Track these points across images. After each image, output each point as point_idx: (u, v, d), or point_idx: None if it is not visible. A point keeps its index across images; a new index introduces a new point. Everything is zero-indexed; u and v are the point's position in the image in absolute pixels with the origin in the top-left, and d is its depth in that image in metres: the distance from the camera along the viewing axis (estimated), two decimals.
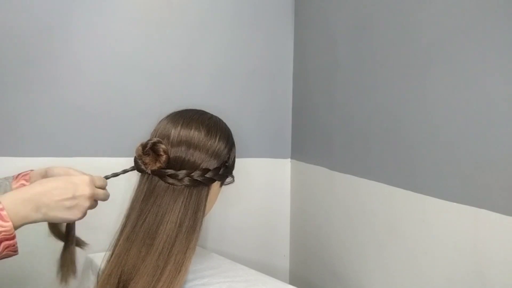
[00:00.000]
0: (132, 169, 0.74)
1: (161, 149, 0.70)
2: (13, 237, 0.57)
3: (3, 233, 0.56)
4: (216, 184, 0.76)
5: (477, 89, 0.67)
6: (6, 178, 0.76)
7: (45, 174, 0.74)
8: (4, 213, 0.56)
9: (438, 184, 0.75)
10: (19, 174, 0.76)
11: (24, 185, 0.74)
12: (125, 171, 0.74)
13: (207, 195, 0.74)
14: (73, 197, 0.64)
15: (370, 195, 0.94)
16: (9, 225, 0.56)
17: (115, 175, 0.74)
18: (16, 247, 0.58)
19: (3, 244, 0.56)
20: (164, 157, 0.70)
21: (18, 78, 1.02)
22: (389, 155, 0.87)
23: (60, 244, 0.71)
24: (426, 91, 0.77)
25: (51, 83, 1.05)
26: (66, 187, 0.64)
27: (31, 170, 0.77)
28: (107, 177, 0.72)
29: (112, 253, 0.71)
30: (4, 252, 0.57)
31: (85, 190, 0.66)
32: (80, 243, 0.74)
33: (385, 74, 0.89)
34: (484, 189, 0.66)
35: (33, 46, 1.03)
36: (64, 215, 0.63)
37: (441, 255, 0.74)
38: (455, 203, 0.71)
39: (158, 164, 0.71)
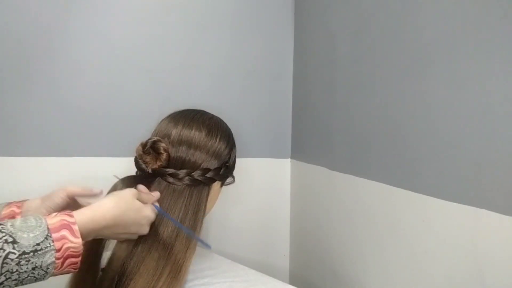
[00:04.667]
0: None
1: (161, 147, 0.70)
2: (79, 255, 0.54)
3: (71, 249, 0.53)
4: (216, 184, 0.76)
5: (477, 89, 0.67)
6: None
7: (43, 204, 0.70)
8: (76, 227, 0.54)
9: (438, 184, 0.75)
10: (11, 202, 0.72)
11: (14, 212, 0.69)
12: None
13: (207, 195, 0.74)
14: (132, 234, 0.67)
15: (370, 195, 0.94)
16: (78, 241, 0.53)
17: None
18: (79, 265, 0.55)
19: (68, 261, 0.53)
20: (164, 155, 0.70)
21: (17, 78, 1.02)
22: (389, 155, 0.87)
23: None
24: (426, 91, 0.77)
25: (51, 83, 1.05)
26: (132, 226, 0.65)
27: (26, 200, 0.73)
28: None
29: (112, 253, 0.71)
30: (66, 269, 0.53)
31: (145, 231, 0.68)
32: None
33: (385, 74, 0.89)
34: (484, 189, 0.66)
35: (32, 46, 1.03)
36: (114, 238, 0.67)
37: (441, 255, 0.74)
38: (455, 203, 0.71)
39: (159, 163, 0.71)
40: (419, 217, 0.79)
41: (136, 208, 0.64)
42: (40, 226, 0.51)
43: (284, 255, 1.35)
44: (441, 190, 0.74)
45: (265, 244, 1.33)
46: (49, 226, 0.52)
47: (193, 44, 1.20)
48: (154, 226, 0.69)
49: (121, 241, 0.69)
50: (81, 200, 0.72)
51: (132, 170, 0.76)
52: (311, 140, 1.21)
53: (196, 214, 0.71)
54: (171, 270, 0.67)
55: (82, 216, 0.56)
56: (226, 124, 0.81)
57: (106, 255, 0.73)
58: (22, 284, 0.49)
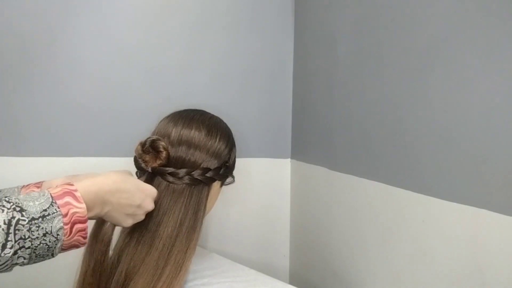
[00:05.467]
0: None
1: (160, 146, 0.70)
2: (86, 221, 0.54)
3: (77, 215, 0.53)
4: (216, 184, 0.76)
5: (477, 89, 0.67)
6: (16, 187, 0.74)
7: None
8: (78, 194, 0.54)
9: (438, 184, 0.75)
10: (29, 184, 0.74)
11: (34, 191, 0.69)
12: None
13: (207, 195, 0.74)
14: (138, 207, 0.64)
15: (371, 195, 0.94)
16: (83, 206, 0.54)
17: None
18: (87, 233, 0.55)
19: (76, 227, 0.53)
20: (164, 153, 0.70)
21: (18, 77, 1.02)
22: (389, 155, 0.87)
23: None
24: (426, 91, 0.77)
25: (51, 82, 1.05)
26: (135, 194, 0.63)
27: (44, 181, 0.75)
28: None
29: (113, 253, 0.71)
30: (75, 238, 0.53)
31: (150, 205, 0.67)
32: None
33: (385, 73, 0.89)
34: (484, 189, 0.66)
35: (33, 45, 1.03)
36: (121, 219, 0.63)
37: (441, 255, 0.74)
38: (455, 203, 0.71)
39: (158, 161, 0.71)
40: (419, 217, 0.79)
41: (135, 180, 0.66)
42: (43, 195, 0.52)
43: (284, 255, 1.35)
44: (441, 190, 0.74)
45: (265, 244, 1.33)
46: (52, 195, 0.53)
47: (193, 44, 1.20)
48: (154, 226, 0.69)
49: (123, 235, 0.70)
50: None
51: (132, 170, 0.76)
52: (311, 140, 1.21)
53: (196, 214, 0.71)
54: (171, 270, 0.67)
55: (82, 183, 0.57)
56: (225, 124, 0.81)
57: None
58: (36, 255, 0.50)
